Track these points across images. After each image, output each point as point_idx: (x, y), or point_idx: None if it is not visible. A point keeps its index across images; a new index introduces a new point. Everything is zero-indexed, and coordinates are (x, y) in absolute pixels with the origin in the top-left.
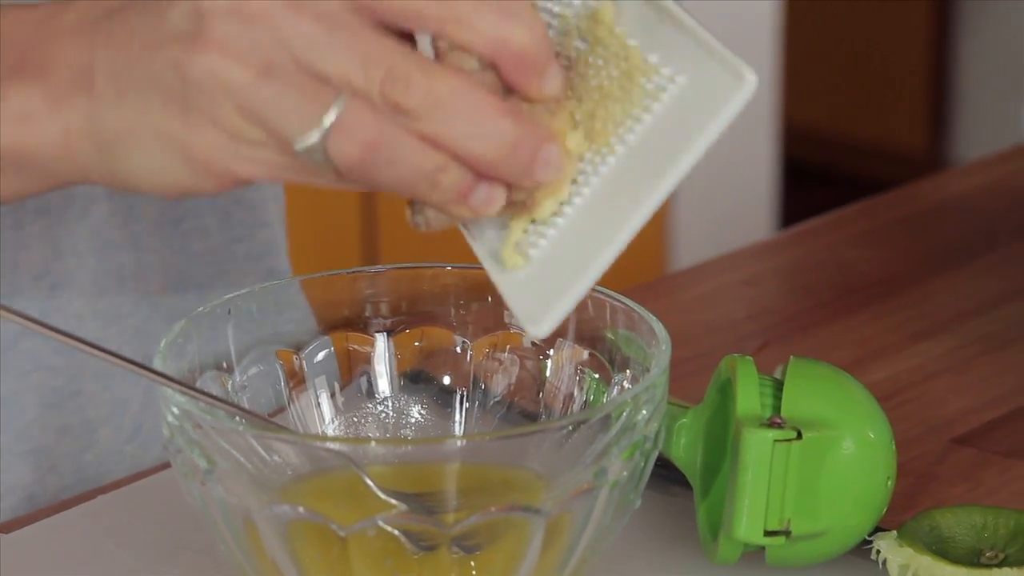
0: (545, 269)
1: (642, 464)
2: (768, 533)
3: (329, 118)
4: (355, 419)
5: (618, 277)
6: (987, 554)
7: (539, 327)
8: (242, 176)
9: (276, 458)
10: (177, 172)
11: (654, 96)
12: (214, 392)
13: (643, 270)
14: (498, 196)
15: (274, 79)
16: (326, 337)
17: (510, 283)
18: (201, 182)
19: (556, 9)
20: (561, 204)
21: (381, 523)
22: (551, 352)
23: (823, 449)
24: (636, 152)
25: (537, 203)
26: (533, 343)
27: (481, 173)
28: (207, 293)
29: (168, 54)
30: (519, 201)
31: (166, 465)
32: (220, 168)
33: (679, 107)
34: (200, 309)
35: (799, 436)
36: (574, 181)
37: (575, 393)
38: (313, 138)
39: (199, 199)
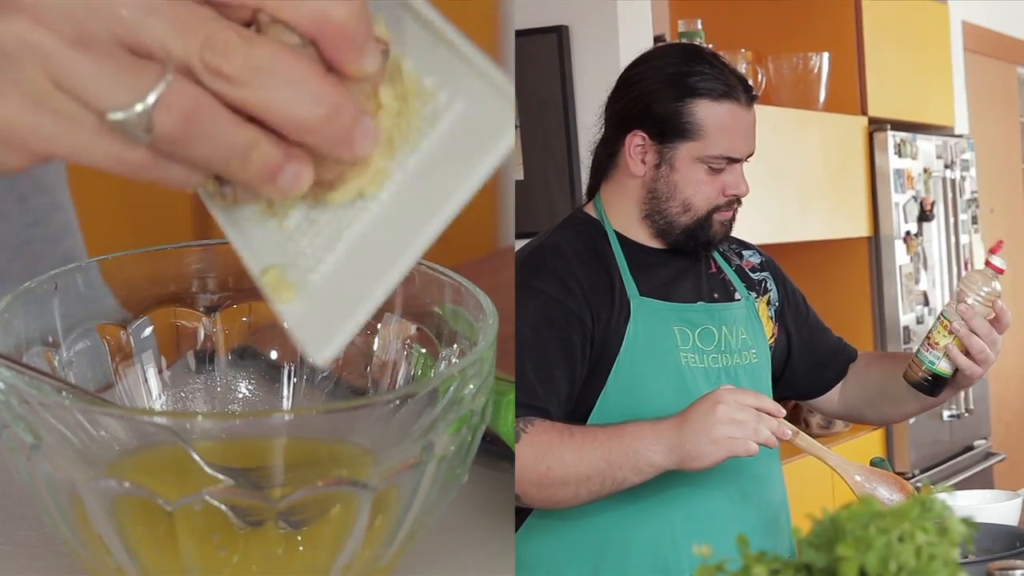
0: (326, 294)
1: (469, 439)
2: None
3: (154, 94)
4: (182, 394)
5: (448, 252)
6: None
7: (322, 354)
8: (41, 152)
9: (103, 433)
10: None
11: (431, 122)
12: (41, 367)
13: (474, 245)
14: (306, 175)
15: (89, 49)
16: (153, 313)
17: (289, 309)
18: (3, 157)
19: None
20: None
21: (207, 498)
22: (379, 327)
23: None
24: (415, 178)
25: (345, 183)
26: None
27: (298, 140)
28: (4, 278)
29: None
30: (325, 182)
31: None
32: (18, 141)
33: (456, 134)
34: (27, 284)
35: None
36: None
37: (403, 367)
38: (133, 110)
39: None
